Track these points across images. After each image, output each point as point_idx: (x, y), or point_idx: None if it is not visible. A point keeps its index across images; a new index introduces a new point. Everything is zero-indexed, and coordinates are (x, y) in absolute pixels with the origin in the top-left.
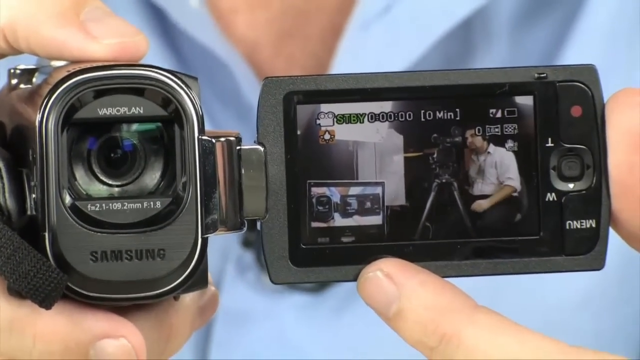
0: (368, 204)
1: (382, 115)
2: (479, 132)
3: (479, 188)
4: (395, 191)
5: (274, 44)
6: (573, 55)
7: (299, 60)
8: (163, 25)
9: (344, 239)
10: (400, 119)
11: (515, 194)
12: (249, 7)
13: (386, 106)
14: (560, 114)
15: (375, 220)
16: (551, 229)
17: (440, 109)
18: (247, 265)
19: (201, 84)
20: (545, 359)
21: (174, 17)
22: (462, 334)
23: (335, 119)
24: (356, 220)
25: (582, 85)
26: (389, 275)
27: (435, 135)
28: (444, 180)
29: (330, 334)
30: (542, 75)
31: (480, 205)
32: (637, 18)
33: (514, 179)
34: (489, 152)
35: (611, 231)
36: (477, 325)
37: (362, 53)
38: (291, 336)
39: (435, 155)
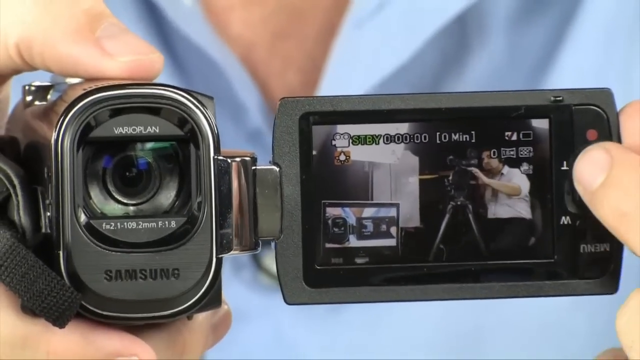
0: (383, 226)
1: (398, 137)
2: (494, 154)
3: (492, 211)
4: (410, 213)
5: (270, 44)
6: (570, 54)
7: (295, 60)
8: (158, 23)
9: (358, 260)
10: (415, 141)
11: (519, 196)
12: (244, 5)
13: (402, 128)
14: (576, 137)
15: (390, 241)
16: (565, 253)
17: (456, 131)
18: (243, 264)
19: (195, 83)
20: None
21: (168, 15)
22: None
23: (350, 140)
24: (370, 242)
25: (598, 109)
26: (607, 150)
27: (450, 157)
28: (459, 203)
29: (326, 333)
30: (558, 98)
31: (482, 178)
32: (636, 17)
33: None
34: (502, 174)
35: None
36: None
37: (357, 52)
38: (287, 335)
39: (450, 178)
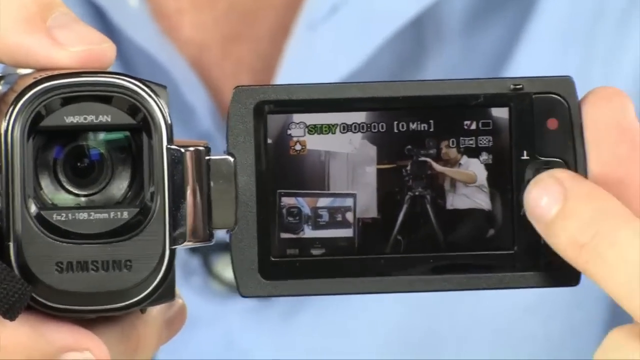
0: (339, 217)
1: (355, 126)
2: (453, 144)
3: (451, 201)
4: (367, 203)
5: (221, 46)
6: (526, 55)
7: (247, 62)
8: (105, 26)
9: (314, 252)
10: (373, 130)
11: (475, 185)
12: (194, 7)
13: (359, 117)
14: (536, 126)
15: (346, 232)
16: (526, 244)
17: (414, 120)
18: (193, 270)
19: None
20: None
21: (113, 17)
22: (619, 234)
23: (306, 129)
24: (326, 232)
25: (559, 97)
26: (559, 180)
27: (409, 147)
28: (416, 193)
29: (279, 339)
30: (518, 86)
31: (434, 166)
32: (592, 16)
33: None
34: (460, 164)
35: None
36: (635, 230)
37: (311, 53)
38: (238, 342)
39: (408, 168)
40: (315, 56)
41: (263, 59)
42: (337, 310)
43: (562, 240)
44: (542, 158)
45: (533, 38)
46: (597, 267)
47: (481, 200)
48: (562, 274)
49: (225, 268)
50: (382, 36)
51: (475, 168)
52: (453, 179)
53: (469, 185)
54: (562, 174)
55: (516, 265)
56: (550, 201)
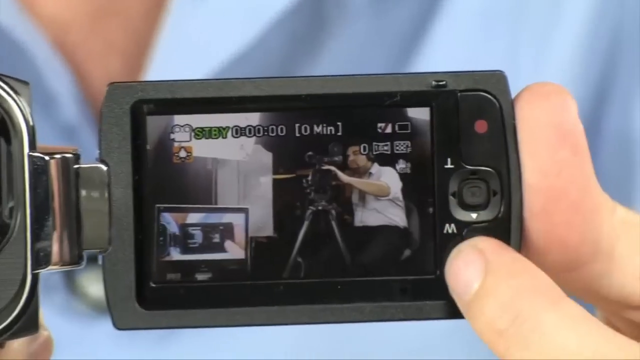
0: (229, 236)
1: (249, 129)
2: (363, 150)
3: (360, 217)
4: (261, 220)
5: (89, 23)
6: (443, 35)
7: (118, 42)
8: None
9: (200, 277)
10: (269, 134)
11: (389, 198)
12: None
13: (253, 118)
14: (462, 129)
15: (237, 254)
16: None
17: (318, 122)
18: (53, 285)
19: None
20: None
21: None
22: (542, 317)
23: (192, 133)
24: (214, 255)
25: (488, 96)
26: (481, 251)
27: (310, 153)
28: (319, 208)
29: None
30: (441, 83)
31: (339, 176)
32: None
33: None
34: (370, 174)
35: None
36: (560, 313)
37: (190, 33)
38: None
39: (309, 178)
40: (196, 35)
41: (136, 39)
42: (222, 331)
43: (481, 323)
44: (469, 167)
45: (450, 15)
46: (519, 356)
47: (395, 216)
48: None
49: (90, 284)
50: (273, 11)
51: (388, 178)
52: (362, 191)
53: (381, 198)
54: (485, 243)
55: (439, 292)
56: (471, 276)
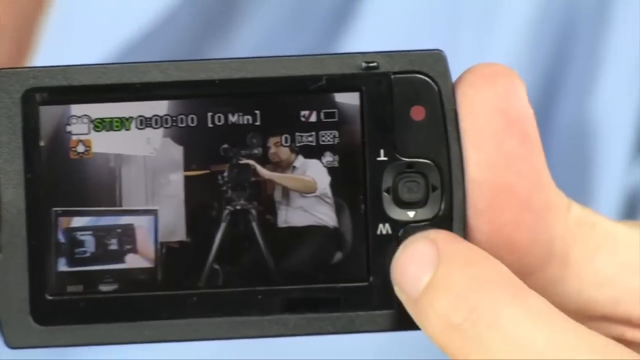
0: (135, 242)
1: (156, 120)
2: (285, 141)
3: (284, 217)
4: (172, 222)
5: None
6: (374, 11)
7: (4, 25)
8: None
9: (104, 288)
10: (179, 125)
11: (316, 195)
12: None
13: (160, 107)
14: (397, 116)
15: (145, 262)
16: (384, 273)
17: (234, 111)
18: None
19: None
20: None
21: None
22: (502, 311)
23: (92, 125)
24: (119, 263)
25: (426, 78)
26: (432, 242)
27: (225, 146)
28: (238, 207)
29: None
30: (372, 64)
31: (259, 171)
32: None
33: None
34: (294, 167)
35: None
36: (523, 306)
37: (85, 10)
38: None
39: (225, 174)
40: (90, 11)
41: (23, 20)
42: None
43: (432, 320)
44: (405, 159)
45: None
46: (474, 355)
47: (324, 215)
48: None
49: None
50: None
51: (315, 172)
52: (286, 188)
53: (307, 195)
54: (437, 235)
55: (372, 301)
56: (420, 270)
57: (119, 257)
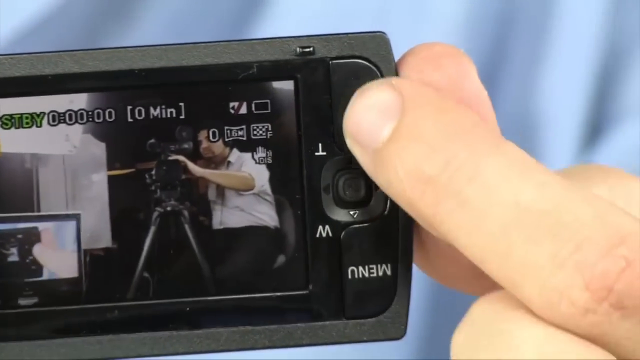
0: (54, 248)
1: (71, 115)
2: (214, 136)
3: (219, 218)
4: (96, 227)
5: None
6: None
7: None
8: None
9: (23, 302)
10: (98, 120)
11: (254, 192)
12: None
13: (78, 101)
14: (336, 107)
15: (68, 271)
16: (325, 280)
17: (158, 103)
18: None
19: None
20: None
21: None
22: (482, 163)
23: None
24: (38, 275)
25: (367, 64)
26: (395, 87)
27: (152, 141)
28: (168, 209)
29: None
30: (307, 49)
31: (190, 168)
32: None
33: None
34: (229, 162)
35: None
36: (506, 157)
37: None
38: None
39: (153, 172)
40: None
41: None
42: None
43: (399, 173)
44: (345, 154)
45: None
46: (451, 212)
47: (263, 214)
48: (379, 322)
49: None
50: None
51: (252, 167)
52: (221, 186)
53: (244, 193)
54: (399, 80)
55: (312, 311)
56: (381, 117)
57: (38, 268)
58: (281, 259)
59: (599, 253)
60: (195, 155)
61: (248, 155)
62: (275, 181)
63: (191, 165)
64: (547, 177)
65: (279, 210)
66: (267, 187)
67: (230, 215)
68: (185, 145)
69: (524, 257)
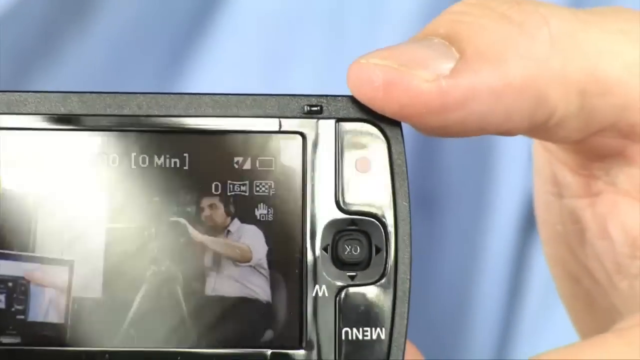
0: (45, 294)
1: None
2: (216, 189)
3: (212, 285)
4: (88, 277)
5: None
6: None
7: None
8: None
9: (5, 340)
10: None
11: (250, 265)
12: None
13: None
14: (340, 168)
15: (53, 317)
16: (320, 341)
17: (160, 152)
18: None
19: None
20: None
21: None
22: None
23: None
24: (24, 315)
25: (374, 128)
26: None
27: (156, 199)
28: (163, 269)
29: None
30: (315, 108)
31: (193, 234)
32: None
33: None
34: (229, 231)
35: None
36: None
37: None
38: None
39: (153, 230)
40: None
41: None
42: None
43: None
44: (347, 215)
45: None
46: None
47: (257, 287)
48: None
49: None
50: None
51: (251, 239)
52: (218, 254)
53: (241, 264)
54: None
55: None
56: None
57: (25, 308)
58: (270, 332)
59: None
60: (196, 219)
61: (249, 226)
62: (272, 241)
63: (191, 230)
64: None
65: (273, 284)
66: (264, 261)
67: (223, 284)
68: (188, 209)
69: None
